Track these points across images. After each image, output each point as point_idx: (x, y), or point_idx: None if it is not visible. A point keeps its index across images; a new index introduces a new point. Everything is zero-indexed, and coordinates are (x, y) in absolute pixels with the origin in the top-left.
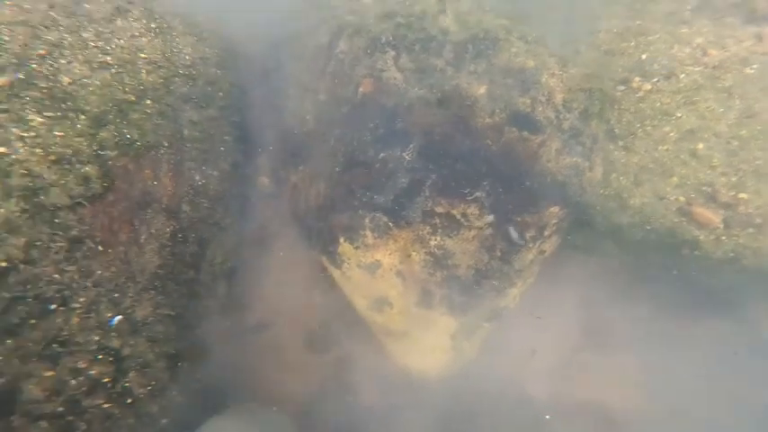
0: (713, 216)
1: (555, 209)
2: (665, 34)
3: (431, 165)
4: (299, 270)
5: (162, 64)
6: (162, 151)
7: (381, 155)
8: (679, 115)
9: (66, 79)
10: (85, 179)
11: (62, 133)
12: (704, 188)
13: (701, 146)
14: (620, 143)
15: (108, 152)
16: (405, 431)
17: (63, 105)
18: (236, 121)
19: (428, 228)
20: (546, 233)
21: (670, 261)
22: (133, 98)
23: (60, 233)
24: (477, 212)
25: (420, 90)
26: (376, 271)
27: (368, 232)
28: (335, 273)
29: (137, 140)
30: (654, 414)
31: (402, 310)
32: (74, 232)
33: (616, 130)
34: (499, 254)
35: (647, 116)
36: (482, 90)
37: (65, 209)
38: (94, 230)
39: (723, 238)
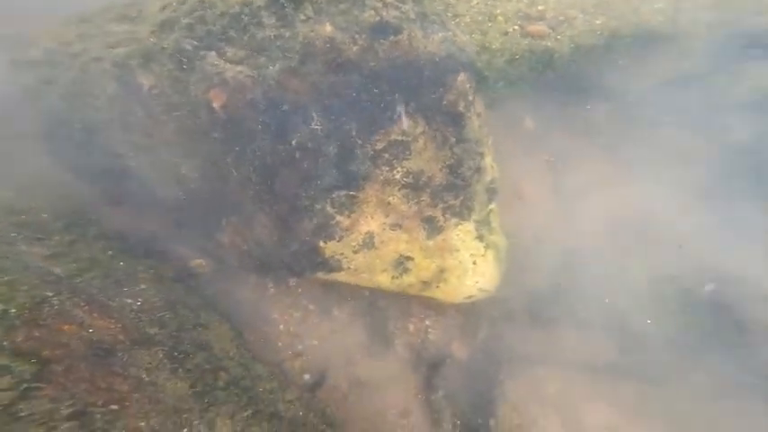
0: (542, 27)
1: (460, 76)
2: None
3: (342, 117)
4: (303, 300)
5: None
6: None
7: (293, 143)
8: None
9: None
10: None
11: None
12: (520, 15)
13: None
14: (452, 14)
15: None
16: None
17: None
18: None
19: (384, 168)
20: (470, 98)
21: (542, 69)
22: None
23: None
24: (412, 122)
25: (275, 65)
26: (373, 241)
27: (339, 217)
28: (341, 276)
29: None
30: None
31: (423, 252)
32: None
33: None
34: (453, 140)
35: None
36: (328, 28)
37: None
38: None
39: (558, 37)
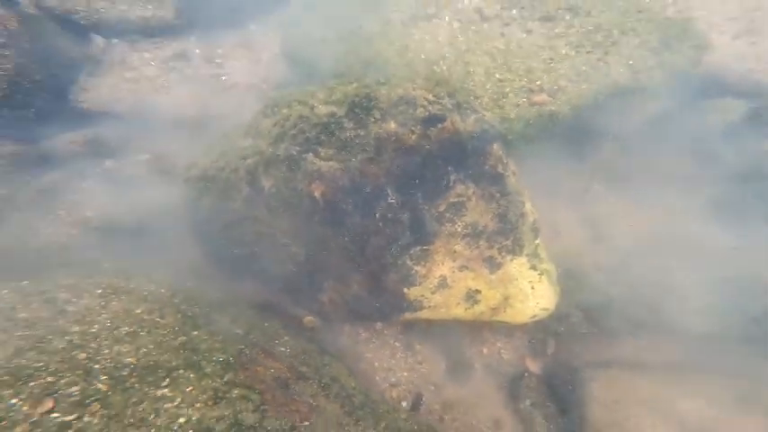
0: (544, 97)
1: (495, 145)
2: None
3: (411, 190)
4: (390, 340)
5: None
6: None
7: (377, 215)
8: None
9: None
10: None
11: None
12: (525, 89)
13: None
14: (473, 97)
15: None
16: None
17: None
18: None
19: (448, 224)
20: (504, 160)
21: (551, 128)
22: None
23: None
24: (464, 186)
25: (356, 157)
26: (446, 281)
27: (417, 267)
28: (423, 314)
29: None
30: None
31: (487, 284)
32: None
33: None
34: (498, 195)
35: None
36: (392, 125)
37: None
38: None
39: (558, 102)
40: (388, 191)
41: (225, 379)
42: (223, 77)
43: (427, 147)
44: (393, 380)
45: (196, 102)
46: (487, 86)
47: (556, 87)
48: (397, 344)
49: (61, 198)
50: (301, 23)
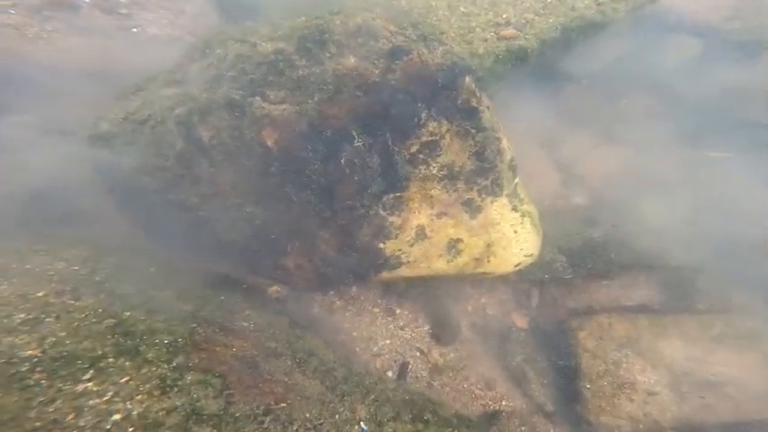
0: (512, 31)
1: (466, 78)
2: None
3: (378, 131)
4: (367, 306)
5: None
6: None
7: (342, 161)
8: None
9: None
10: None
11: None
12: (491, 24)
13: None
14: (439, 32)
15: None
16: None
17: None
18: None
19: (421, 166)
20: (478, 94)
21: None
22: None
23: None
24: (436, 123)
25: (313, 98)
26: (425, 232)
27: (391, 218)
28: (402, 271)
29: None
30: None
31: (469, 232)
32: None
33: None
34: (473, 131)
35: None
36: (352, 60)
37: None
38: None
39: (526, 37)
40: (353, 132)
41: (174, 364)
42: (134, 29)
43: (393, 82)
44: (375, 349)
45: (95, 55)
46: (452, 21)
47: (523, 21)
48: (375, 309)
49: None
50: None
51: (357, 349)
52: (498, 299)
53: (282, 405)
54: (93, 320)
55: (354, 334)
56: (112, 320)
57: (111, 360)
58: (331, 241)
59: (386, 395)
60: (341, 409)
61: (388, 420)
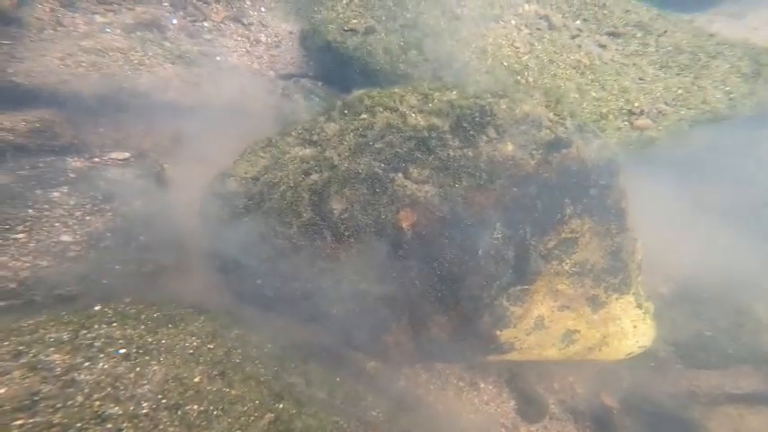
0: (647, 122)
1: (621, 178)
2: None
3: (519, 223)
4: (452, 380)
5: None
6: None
7: (479, 253)
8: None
9: None
10: None
11: None
12: (624, 111)
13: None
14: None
15: None
16: None
17: None
18: None
19: (554, 261)
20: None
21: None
22: None
23: None
24: (580, 221)
25: (461, 183)
26: (543, 321)
27: (513, 308)
28: (512, 356)
29: None
30: None
31: (588, 324)
32: None
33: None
34: (615, 231)
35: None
36: (509, 147)
37: None
38: None
39: (659, 128)
40: (497, 225)
41: None
42: (217, 58)
43: (546, 175)
44: (460, 424)
45: (189, 85)
46: (584, 105)
47: (656, 111)
48: (460, 383)
49: (17, 214)
50: (329, 3)
51: (443, 424)
52: (586, 377)
53: None
54: (255, 415)
55: (440, 408)
56: (271, 415)
57: None
58: (445, 326)
59: None
60: None
61: None
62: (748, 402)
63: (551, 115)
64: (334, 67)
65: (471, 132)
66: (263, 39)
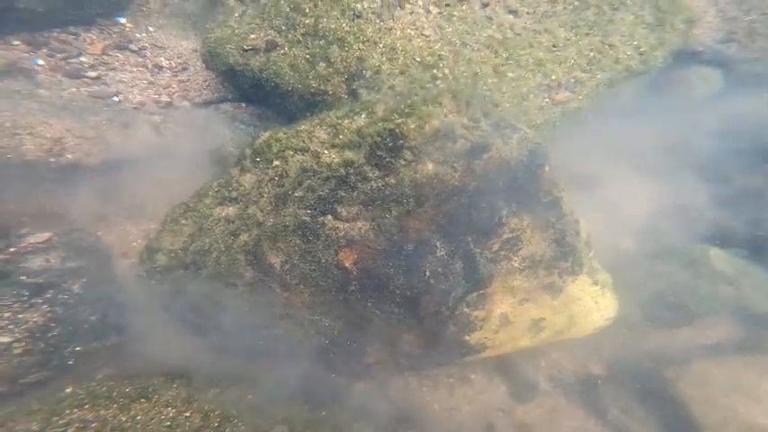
0: (567, 94)
1: (546, 168)
2: None
3: (459, 236)
4: (443, 378)
5: None
6: None
7: (427, 273)
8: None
9: None
10: None
11: None
12: (543, 87)
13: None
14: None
15: None
16: None
17: None
18: None
19: (503, 262)
20: (557, 182)
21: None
22: None
23: None
24: (518, 219)
25: (391, 212)
26: (508, 318)
27: (475, 312)
28: (487, 353)
29: None
30: None
31: (552, 310)
32: None
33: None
34: (554, 220)
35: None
36: (429, 165)
37: None
38: None
39: (579, 98)
40: (437, 244)
41: None
42: (114, 98)
43: (473, 183)
44: (459, 418)
45: (88, 141)
46: (503, 89)
47: (573, 80)
48: (450, 380)
49: None
50: (220, 17)
51: (443, 421)
52: (570, 351)
53: None
54: None
55: (436, 407)
56: None
57: None
58: (415, 342)
59: None
60: None
61: None
62: (713, 356)
63: (465, 121)
64: (250, 90)
65: (388, 159)
66: (164, 64)
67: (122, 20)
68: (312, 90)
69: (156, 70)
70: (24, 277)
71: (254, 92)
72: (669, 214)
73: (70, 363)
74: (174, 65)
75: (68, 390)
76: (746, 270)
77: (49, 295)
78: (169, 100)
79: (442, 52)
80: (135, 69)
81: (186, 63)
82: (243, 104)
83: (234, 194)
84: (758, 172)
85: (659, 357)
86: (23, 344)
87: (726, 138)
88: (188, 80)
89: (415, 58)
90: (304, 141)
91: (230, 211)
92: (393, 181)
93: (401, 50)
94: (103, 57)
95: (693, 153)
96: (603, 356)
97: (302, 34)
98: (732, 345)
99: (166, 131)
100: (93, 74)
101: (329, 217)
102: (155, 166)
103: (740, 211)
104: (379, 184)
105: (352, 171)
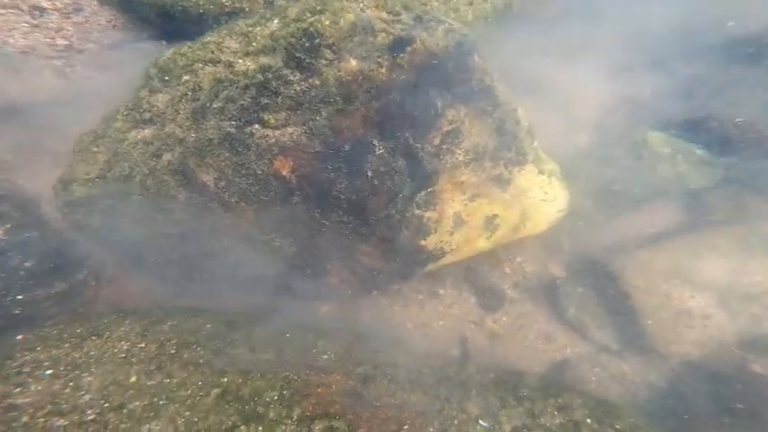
0: None
1: (475, 56)
2: None
3: (397, 132)
4: (412, 294)
5: None
6: None
7: (369, 174)
8: None
9: None
10: None
11: None
12: None
13: None
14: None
15: None
16: None
17: None
18: None
19: (447, 156)
20: (488, 69)
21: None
22: None
23: None
24: (454, 110)
25: (321, 114)
26: (461, 217)
27: (427, 213)
28: (447, 259)
29: None
30: None
31: (503, 205)
32: None
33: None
34: (490, 109)
35: None
36: (353, 62)
37: None
38: None
39: None
40: (374, 142)
41: (295, 417)
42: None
43: (402, 77)
44: (432, 334)
45: None
46: None
47: None
48: (420, 296)
49: None
50: None
51: (417, 338)
52: (532, 254)
53: (406, 428)
54: (201, 394)
55: (409, 325)
56: (217, 390)
57: (243, 428)
58: (373, 253)
59: (477, 383)
60: (455, 413)
61: (499, 410)
62: (656, 241)
63: (383, 15)
64: (159, 20)
65: (307, 60)
66: (45, 5)
67: None
68: (227, 9)
69: (38, 13)
70: None
71: (165, 22)
72: (615, 106)
73: (16, 312)
74: (59, 5)
75: (19, 337)
76: (681, 148)
77: None
78: (67, 43)
79: None
80: (4, 12)
81: (78, 2)
82: (163, 42)
83: (147, 116)
84: (700, 61)
85: (610, 248)
86: None
87: (670, 32)
88: (86, 21)
89: None
90: (213, 53)
91: (146, 132)
92: (317, 82)
93: None
94: None
95: (634, 44)
96: (562, 254)
97: None
98: (673, 227)
99: (73, 75)
100: None
101: (256, 126)
102: (68, 110)
103: (680, 98)
104: (303, 87)
105: (271, 76)
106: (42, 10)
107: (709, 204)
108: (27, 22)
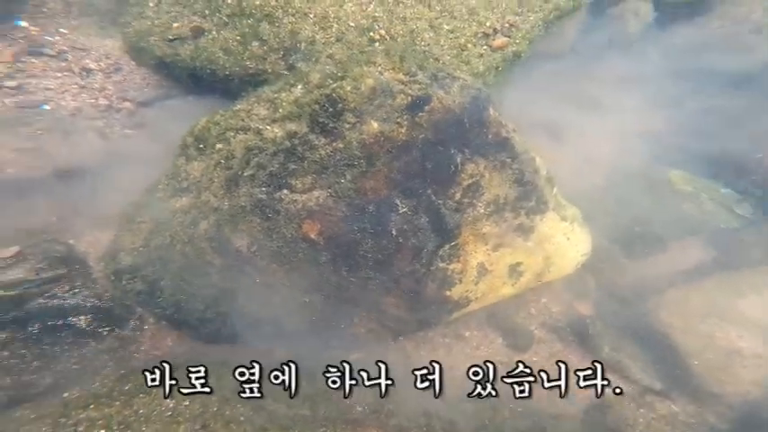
0: (503, 39)
1: (490, 110)
2: None
3: (419, 189)
4: (438, 338)
5: None
6: None
7: (394, 233)
8: None
9: None
10: None
11: None
12: (480, 35)
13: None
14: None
15: None
16: None
17: None
18: None
19: (468, 209)
20: (503, 122)
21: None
22: None
23: None
24: (473, 164)
25: (346, 177)
26: (485, 267)
27: (451, 266)
28: (472, 307)
29: None
30: None
31: (526, 253)
32: None
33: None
34: (509, 160)
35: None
36: (374, 125)
37: None
38: None
39: (516, 41)
40: (397, 201)
41: None
42: (45, 106)
43: (422, 136)
44: (461, 375)
45: (26, 153)
46: (442, 43)
47: (507, 25)
48: (446, 340)
49: None
50: (134, 10)
51: (446, 382)
52: (557, 295)
53: None
54: None
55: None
56: None
57: None
58: (399, 304)
59: (512, 427)
60: None
61: None
62: (688, 280)
63: (400, 76)
64: (189, 80)
65: (331, 125)
66: (92, 66)
67: (22, 23)
68: (250, 71)
69: (86, 74)
70: (1, 291)
71: (194, 82)
72: (629, 144)
73: (74, 368)
74: (103, 66)
75: (65, 395)
76: (703, 186)
77: (29, 306)
78: (108, 103)
79: (376, 13)
80: (61, 75)
81: (118, 63)
82: (191, 97)
83: (185, 184)
84: (704, 94)
85: (638, 288)
86: None
87: (668, 65)
88: (124, 80)
89: (349, 24)
90: (243, 120)
91: (184, 201)
92: (341, 145)
93: (333, 17)
94: (17, 64)
95: (640, 83)
96: (588, 295)
97: (228, 15)
98: (704, 265)
99: (112, 135)
100: (12, 83)
101: (285, 191)
102: (109, 171)
103: (693, 132)
104: (328, 151)
105: (297, 142)
106: (89, 71)
107: (742, 243)
108: (77, 84)
